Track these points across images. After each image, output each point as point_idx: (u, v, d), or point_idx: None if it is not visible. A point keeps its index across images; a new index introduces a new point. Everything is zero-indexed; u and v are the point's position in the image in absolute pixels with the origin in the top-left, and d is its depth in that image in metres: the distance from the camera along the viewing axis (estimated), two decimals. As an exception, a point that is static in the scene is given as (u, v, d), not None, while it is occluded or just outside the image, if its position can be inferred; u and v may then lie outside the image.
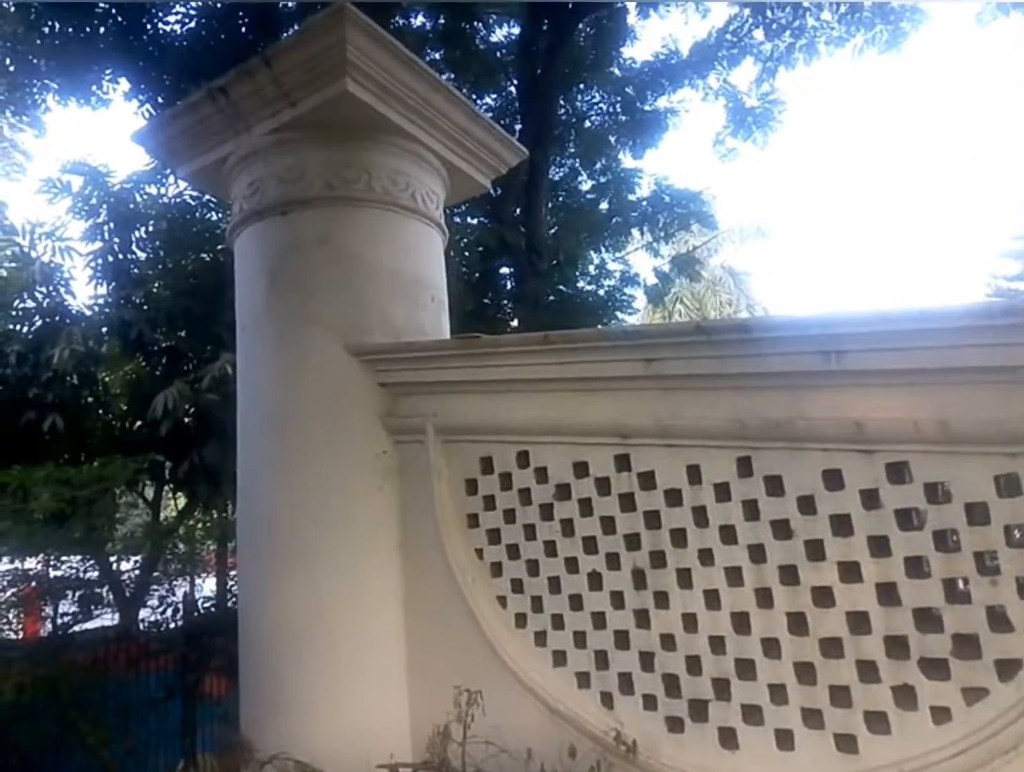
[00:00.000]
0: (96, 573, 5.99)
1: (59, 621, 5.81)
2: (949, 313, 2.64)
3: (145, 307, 8.08)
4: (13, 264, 7.43)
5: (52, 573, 5.62)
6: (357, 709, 3.80)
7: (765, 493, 2.99)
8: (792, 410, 2.95)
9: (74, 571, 5.86)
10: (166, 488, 8.48)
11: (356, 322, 4.15)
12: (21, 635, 6.10)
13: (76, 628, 5.86)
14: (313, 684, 3.82)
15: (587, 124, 13.41)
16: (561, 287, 11.45)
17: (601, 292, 12.05)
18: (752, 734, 2.89)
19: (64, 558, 5.93)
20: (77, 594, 5.75)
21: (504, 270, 12.87)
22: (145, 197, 8.57)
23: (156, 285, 8.57)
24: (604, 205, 12.86)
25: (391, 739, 3.76)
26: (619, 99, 13.01)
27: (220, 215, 9.46)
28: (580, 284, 12.25)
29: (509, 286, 12.59)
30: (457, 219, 12.54)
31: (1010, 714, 2.46)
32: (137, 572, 6.77)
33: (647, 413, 3.28)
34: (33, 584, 5.44)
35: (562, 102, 12.40)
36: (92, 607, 5.86)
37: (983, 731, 2.47)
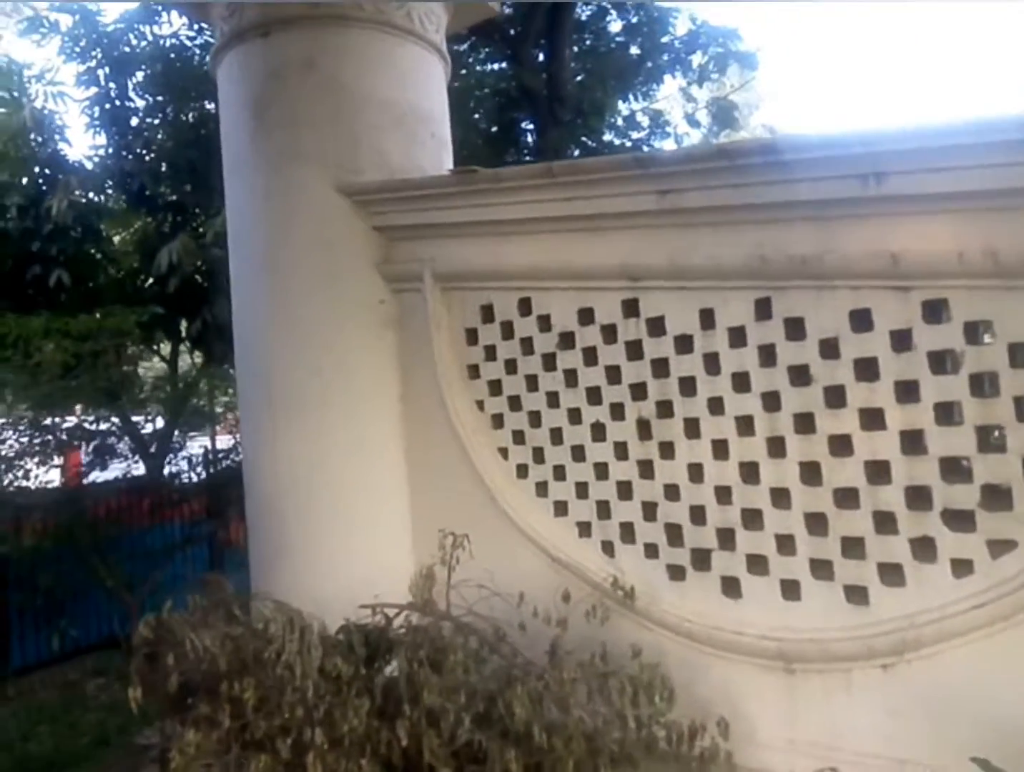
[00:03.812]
0: (107, 425, 6.03)
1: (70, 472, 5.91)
2: (1010, 123, 2.26)
3: (147, 158, 7.71)
4: (2, 109, 7.04)
5: (64, 425, 5.66)
6: (360, 554, 3.76)
7: (784, 337, 2.73)
8: (821, 244, 2.64)
9: (90, 424, 5.89)
10: (183, 346, 8.45)
11: (347, 159, 3.82)
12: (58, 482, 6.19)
13: (94, 478, 5.97)
14: (316, 532, 3.79)
15: (618, -49, 12.14)
16: (585, 139, 10.72)
17: (628, 144, 11.29)
18: (756, 584, 2.78)
19: (80, 411, 5.96)
20: (91, 445, 5.82)
21: (525, 126, 12.09)
22: (140, 38, 7.99)
23: (159, 135, 8.15)
24: (635, 49, 11.81)
25: (396, 582, 3.75)
26: (655, -79, 11.67)
27: (222, 60, 8.86)
28: (607, 136, 11.47)
29: (530, 140, 11.86)
30: (476, 68, 11.69)
31: (1037, 567, 2.29)
32: (156, 425, 6.82)
33: (659, 252, 2.99)
34: (51, 436, 5.48)
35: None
36: (107, 458, 5.94)
37: (1007, 584, 2.31)
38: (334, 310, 3.82)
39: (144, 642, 2.75)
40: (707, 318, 2.90)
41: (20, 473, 5.23)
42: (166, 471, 6.98)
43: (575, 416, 3.27)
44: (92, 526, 5.21)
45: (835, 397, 2.65)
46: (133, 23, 7.99)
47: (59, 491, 5.55)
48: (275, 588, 3.85)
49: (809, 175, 2.62)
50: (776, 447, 2.75)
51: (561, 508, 3.31)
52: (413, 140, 3.98)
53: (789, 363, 2.72)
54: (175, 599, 3.14)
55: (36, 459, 5.29)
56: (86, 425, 5.75)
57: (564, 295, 3.29)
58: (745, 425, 2.81)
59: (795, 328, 2.72)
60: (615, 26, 12.84)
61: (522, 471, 3.44)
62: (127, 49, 7.95)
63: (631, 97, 12.20)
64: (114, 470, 6.45)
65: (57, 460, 5.57)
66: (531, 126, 11.85)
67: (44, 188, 6.93)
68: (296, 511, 3.82)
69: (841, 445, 2.64)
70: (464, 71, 10.98)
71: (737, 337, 2.83)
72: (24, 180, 7.16)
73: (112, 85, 7.72)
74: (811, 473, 2.69)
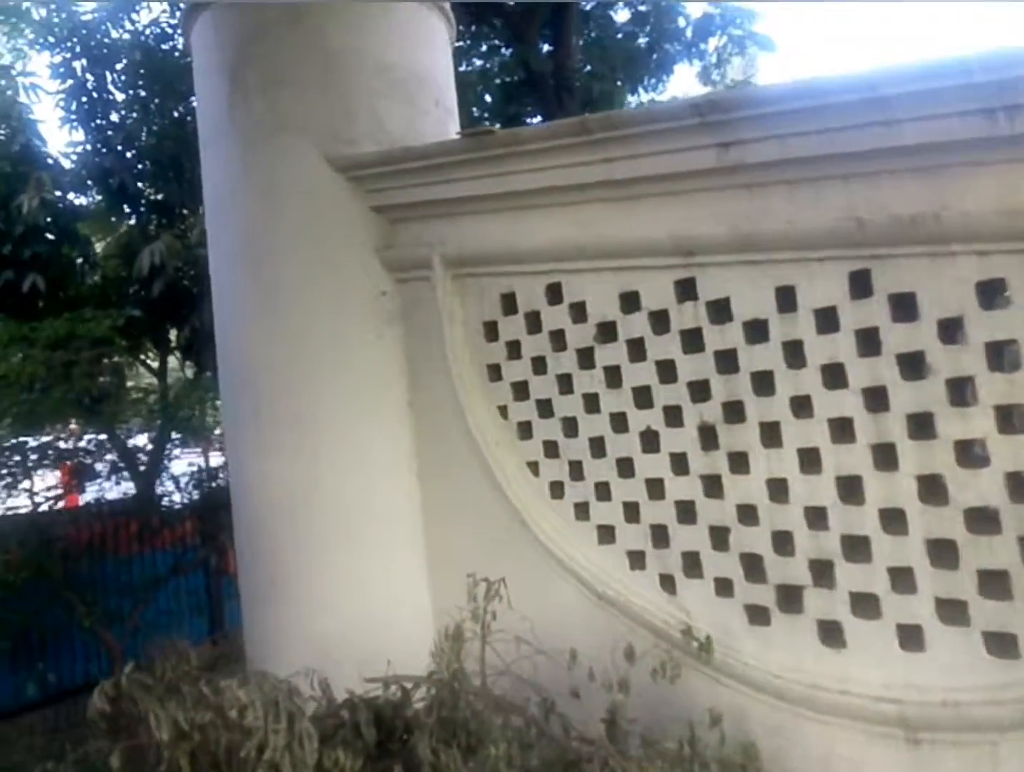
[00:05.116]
0: (84, 443, 5.47)
1: (43, 495, 5.34)
2: None
3: (128, 155, 7.17)
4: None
5: (33, 444, 5.13)
6: (367, 590, 3.22)
7: (890, 318, 2.18)
8: (935, 200, 2.09)
9: (65, 442, 5.35)
10: (174, 357, 7.91)
11: (339, 128, 3.29)
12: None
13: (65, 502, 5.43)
14: (315, 564, 3.25)
15: (621, -67, 11.57)
16: (595, 132, 10.19)
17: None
18: (865, 630, 2.22)
19: (55, 429, 5.42)
20: (66, 466, 5.27)
21: (532, 122, 11.56)
22: (118, 26, 7.45)
23: (142, 131, 7.60)
24: (643, 39, 11.26)
25: (409, 624, 3.22)
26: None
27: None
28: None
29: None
30: (477, 63, 11.17)
31: None
32: (139, 442, 6.27)
33: (721, 220, 2.44)
34: (19, 457, 4.93)
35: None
36: (83, 480, 5.40)
37: None
38: (328, 305, 3.29)
39: (100, 715, 2.20)
40: (786, 298, 2.34)
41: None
42: (156, 491, 6.43)
43: (620, 423, 2.72)
44: (64, 557, 4.66)
45: (961, 392, 2.09)
46: (113, 12, 7.47)
47: (28, 518, 5.01)
48: (269, 629, 3.36)
49: (917, 114, 2.07)
50: (885, 457, 2.19)
51: (607, 534, 2.75)
52: (415, 107, 3.44)
53: (898, 350, 2.16)
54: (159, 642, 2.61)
55: (1, 483, 4.75)
56: (61, 444, 5.22)
57: (602, 277, 2.74)
58: (841, 430, 2.26)
59: (904, 306, 2.17)
60: (622, 15, 12.27)
61: (556, 490, 2.89)
62: (106, 40, 7.42)
63: (641, 89, 11.66)
64: (102, 492, 5.91)
65: (26, 483, 5.04)
66: (538, 120, 11.30)
67: (15, 187, 6.39)
68: (292, 540, 3.28)
69: (972, 453, 2.09)
70: (465, 66, 10.47)
71: (826, 320, 2.28)
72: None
73: (89, 77, 7.19)
74: (933, 489, 2.13)
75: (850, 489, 2.24)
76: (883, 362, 2.18)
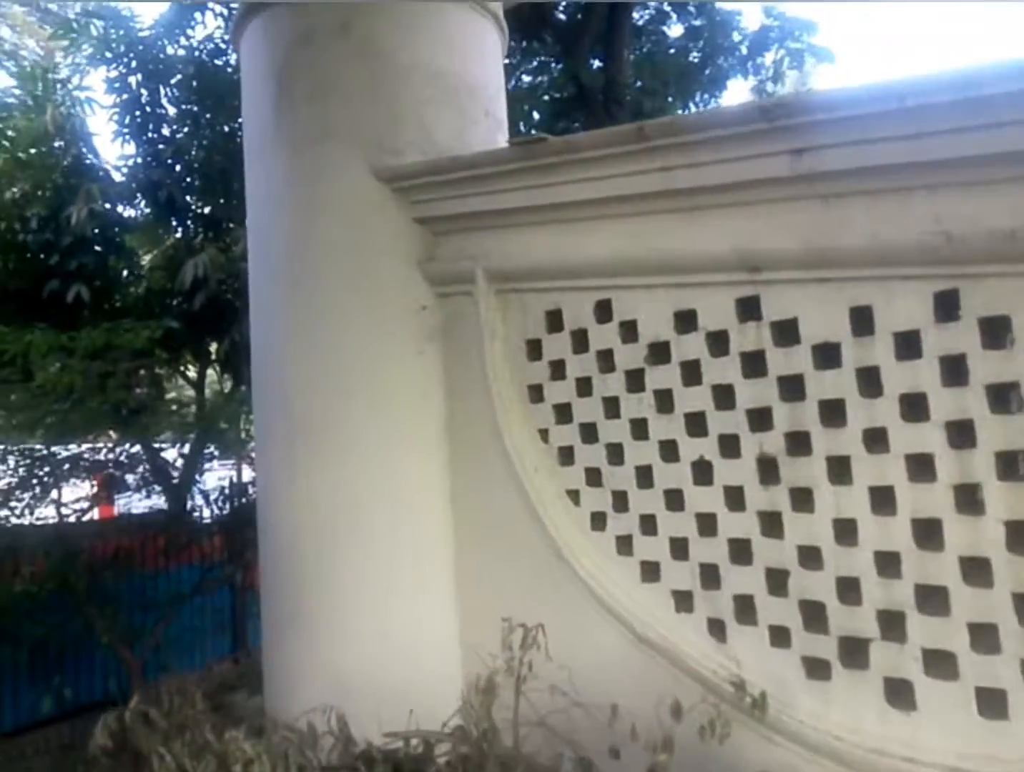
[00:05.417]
0: (114, 455, 5.41)
1: (70, 507, 5.29)
2: None
3: (177, 168, 7.23)
4: (31, 116, 6.61)
5: (63, 454, 5.08)
6: (390, 619, 3.05)
7: (980, 344, 1.97)
8: (1036, 212, 1.88)
9: (96, 453, 5.31)
10: (212, 369, 7.90)
11: (385, 137, 3.19)
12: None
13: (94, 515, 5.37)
14: (339, 590, 3.10)
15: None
16: (646, 149, 10.09)
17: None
18: (939, 691, 1.98)
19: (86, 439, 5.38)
20: (93, 478, 5.23)
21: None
22: (173, 42, 7.56)
23: (194, 145, 7.67)
24: (695, 54, 11.12)
25: (435, 660, 3.04)
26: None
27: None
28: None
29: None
30: (525, 78, 11.15)
31: None
32: (170, 454, 6.22)
33: (791, 233, 2.26)
34: (48, 467, 4.89)
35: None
36: (112, 492, 5.34)
37: None
38: (367, 318, 3.17)
39: (102, 751, 2.06)
40: (861, 320, 2.15)
41: (17, 509, 4.64)
42: (186, 505, 6.37)
43: (670, 451, 2.53)
44: (89, 570, 4.58)
45: (1059, 429, 1.87)
46: (169, 27, 7.59)
47: (54, 529, 4.94)
48: (288, 657, 3.20)
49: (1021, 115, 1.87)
50: (968, 499, 1.97)
51: (651, 571, 2.55)
52: (464, 117, 3.33)
53: (988, 381, 1.95)
54: (181, 662, 2.47)
55: (30, 493, 4.69)
56: (91, 455, 5.16)
57: (655, 295, 2.58)
58: (920, 467, 2.04)
59: (995, 332, 1.95)
60: (675, 30, 12.12)
61: (598, 521, 2.70)
62: (161, 55, 7.53)
63: (692, 105, 11.50)
64: (130, 504, 5.86)
65: (54, 494, 4.99)
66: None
67: (66, 198, 6.47)
68: (316, 562, 3.13)
69: (1070, 498, 1.86)
70: (515, 82, 10.46)
71: (907, 345, 2.07)
72: (46, 191, 6.71)
73: (144, 91, 7.29)
74: (1022, 537, 1.90)
75: (927, 533, 2.01)
76: (970, 393, 1.97)
